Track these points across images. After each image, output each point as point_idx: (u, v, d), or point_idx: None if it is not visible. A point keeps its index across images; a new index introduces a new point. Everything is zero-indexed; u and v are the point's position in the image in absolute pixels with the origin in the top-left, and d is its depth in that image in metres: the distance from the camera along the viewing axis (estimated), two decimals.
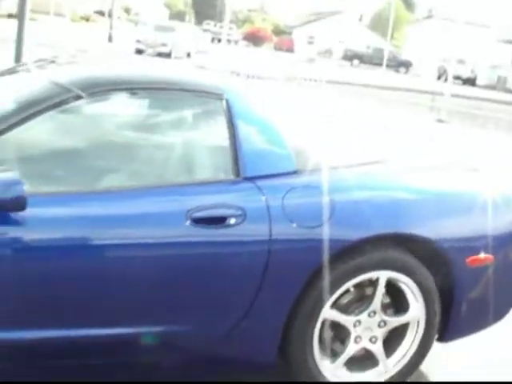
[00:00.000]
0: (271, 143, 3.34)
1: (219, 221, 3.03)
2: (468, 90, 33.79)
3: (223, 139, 3.23)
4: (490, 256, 3.54)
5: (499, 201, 3.68)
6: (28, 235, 2.81)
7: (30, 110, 2.96)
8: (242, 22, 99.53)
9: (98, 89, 3.14)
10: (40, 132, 3.07)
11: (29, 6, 12.39)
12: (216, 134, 3.30)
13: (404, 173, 3.70)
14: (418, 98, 24.51)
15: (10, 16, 43.66)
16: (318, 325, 3.31)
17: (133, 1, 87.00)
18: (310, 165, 3.34)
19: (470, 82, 46.57)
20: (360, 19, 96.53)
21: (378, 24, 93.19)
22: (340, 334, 3.43)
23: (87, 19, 73.14)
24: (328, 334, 3.40)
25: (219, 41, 69.45)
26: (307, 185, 3.26)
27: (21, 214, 2.70)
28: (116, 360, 3.13)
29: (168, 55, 34.21)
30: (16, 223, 2.75)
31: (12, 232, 2.77)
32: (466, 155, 4.74)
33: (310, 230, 3.15)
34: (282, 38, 79.80)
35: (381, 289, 3.37)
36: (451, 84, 23.23)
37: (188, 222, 2.98)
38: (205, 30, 70.25)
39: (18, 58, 13.42)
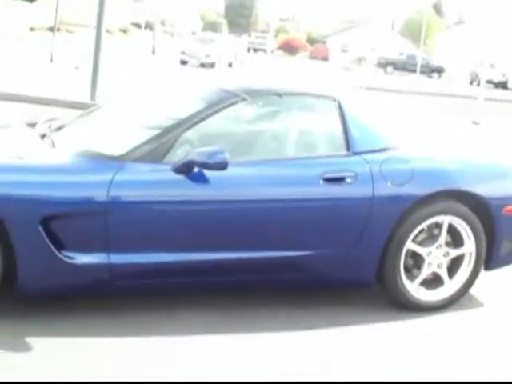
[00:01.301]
0: (369, 129, 4.98)
1: (340, 180, 4.66)
2: (500, 93, 34.96)
3: (338, 127, 4.89)
4: None
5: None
6: (227, 187, 4.45)
7: (213, 108, 4.62)
8: (276, 31, 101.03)
9: (257, 94, 4.82)
10: (222, 123, 4.72)
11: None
12: (333, 124, 4.93)
13: (460, 151, 5.36)
14: (453, 102, 25.78)
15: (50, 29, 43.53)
16: (403, 254, 4.89)
17: (167, 12, 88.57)
18: (397, 144, 4.98)
19: (502, 85, 47.49)
20: (392, 26, 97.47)
21: (409, 30, 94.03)
22: (417, 261, 5.00)
23: (125, 31, 74.91)
24: (409, 261, 4.98)
25: (255, 50, 71.00)
26: (396, 156, 4.88)
27: (223, 172, 4.33)
28: (265, 276, 4.71)
29: (211, 65, 35.81)
30: (219, 179, 4.39)
31: (216, 185, 4.41)
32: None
33: (398, 186, 4.75)
34: (317, 47, 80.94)
35: (445, 228, 4.95)
36: (483, 88, 24.43)
37: (321, 181, 4.61)
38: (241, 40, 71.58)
39: (95, 67, 15.20)
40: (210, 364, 3.93)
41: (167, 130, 4.49)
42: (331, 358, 4.19)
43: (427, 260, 4.99)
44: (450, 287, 5.10)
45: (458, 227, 5.00)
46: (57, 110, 13.47)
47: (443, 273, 5.07)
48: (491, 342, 4.71)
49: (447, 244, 5.04)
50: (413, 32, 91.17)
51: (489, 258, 5.19)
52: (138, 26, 75.46)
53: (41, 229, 4.04)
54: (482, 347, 4.60)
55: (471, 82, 51.47)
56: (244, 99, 4.74)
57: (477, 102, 22.02)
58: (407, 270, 4.98)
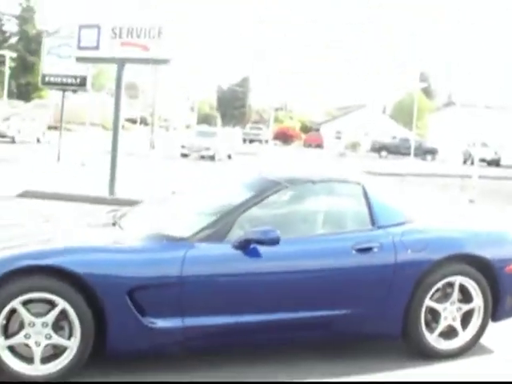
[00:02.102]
0: (389, 207, 6.00)
1: (369, 249, 5.64)
2: (493, 171, 36.17)
3: (363, 207, 5.90)
4: None
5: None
6: (278, 260, 5.43)
7: (262, 195, 5.63)
8: (268, 121, 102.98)
9: (296, 182, 5.86)
10: (269, 207, 5.73)
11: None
12: (359, 204, 5.95)
13: (465, 222, 6.40)
14: (449, 181, 26.86)
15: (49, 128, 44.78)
16: (423, 310, 5.82)
17: (161, 107, 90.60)
18: (412, 218, 5.98)
19: (495, 163, 49.00)
20: (384, 111, 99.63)
21: (400, 114, 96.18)
22: (434, 316, 5.93)
23: (122, 127, 76.54)
24: (428, 316, 5.91)
25: (250, 141, 72.58)
26: (412, 228, 5.88)
27: (275, 247, 5.30)
28: (307, 333, 5.62)
29: (211, 158, 37.04)
30: (274, 252, 5.35)
31: (269, 258, 5.37)
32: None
33: (417, 253, 5.73)
34: (311, 135, 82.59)
35: (457, 287, 5.91)
36: (477, 167, 25.55)
37: (353, 252, 5.59)
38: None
39: (113, 164, 16.23)
40: None
41: (226, 215, 5.50)
42: None
43: (443, 315, 5.94)
44: (463, 337, 6.03)
45: (468, 286, 5.97)
46: (81, 205, 14.52)
47: (457, 325, 6.00)
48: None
49: (459, 300, 5.99)
50: (404, 115, 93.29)
51: (495, 311, 6.14)
52: (133, 121, 77.28)
53: (127, 298, 4.98)
54: None
55: (465, 161, 52.84)
56: (286, 187, 5.79)
57: (471, 181, 23.04)
58: (427, 324, 5.89)
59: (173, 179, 21.16)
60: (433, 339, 5.91)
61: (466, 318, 6.06)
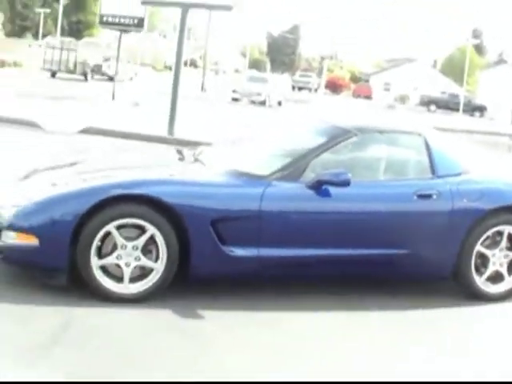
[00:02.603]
0: (447, 158, 6.48)
1: (429, 196, 6.15)
2: None
3: (424, 157, 6.39)
4: None
5: None
6: (348, 201, 5.98)
7: (333, 141, 6.16)
8: (319, 69, 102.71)
9: (364, 130, 6.38)
10: (340, 153, 6.26)
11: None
12: (420, 154, 6.44)
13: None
14: (495, 139, 27.05)
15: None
16: (474, 255, 6.34)
17: (210, 50, 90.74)
18: (468, 169, 6.47)
19: None
20: (434, 65, 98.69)
21: (450, 69, 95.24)
22: (484, 261, 6.44)
23: (170, 68, 77.15)
24: (478, 261, 6.42)
25: (299, 89, 72.78)
26: (468, 179, 6.38)
27: (345, 188, 5.84)
28: (370, 269, 6.18)
29: (262, 103, 37.52)
30: (344, 193, 5.90)
31: (339, 198, 5.92)
32: None
33: (472, 202, 6.23)
34: (361, 86, 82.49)
35: (505, 236, 6.40)
36: None
37: (415, 197, 6.12)
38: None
39: (173, 105, 16.79)
40: None
41: (301, 157, 6.04)
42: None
43: (492, 260, 6.44)
44: (509, 282, 6.54)
45: None
46: (144, 144, 15.16)
47: (504, 271, 6.51)
48: None
49: (507, 248, 6.49)
50: (454, 70, 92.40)
51: None
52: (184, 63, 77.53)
53: (210, 228, 5.56)
54: None
55: None
56: (356, 134, 6.29)
57: None
58: (476, 268, 6.41)
59: (227, 122, 21.76)
60: (481, 282, 6.43)
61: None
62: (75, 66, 41.98)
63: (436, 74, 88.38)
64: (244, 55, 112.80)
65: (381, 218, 6.10)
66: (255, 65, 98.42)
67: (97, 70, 43.27)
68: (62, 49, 42.26)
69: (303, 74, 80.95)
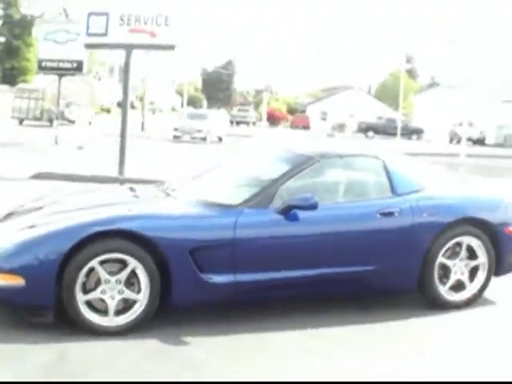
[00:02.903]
0: (405, 177, 6.86)
1: (391, 214, 6.51)
2: (479, 150, 37.18)
3: (384, 178, 6.77)
4: None
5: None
6: (315, 223, 6.29)
7: (298, 168, 6.49)
8: (256, 103, 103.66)
9: (326, 156, 6.73)
10: (304, 178, 6.57)
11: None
12: (380, 176, 6.81)
13: (470, 190, 7.29)
14: (438, 159, 27.78)
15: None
16: (436, 266, 6.71)
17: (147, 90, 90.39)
18: (424, 186, 6.86)
19: (480, 142, 50.14)
20: (369, 91, 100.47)
21: (384, 94, 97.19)
22: (446, 272, 6.81)
23: (108, 111, 77.19)
24: (440, 272, 6.79)
25: (237, 123, 73.30)
26: (426, 195, 6.76)
27: (313, 212, 6.16)
28: (342, 287, 6.50)
29: (203, 139, 37.83)
30: (312, 216, 6.21)
31: (309, 220, 6.24)
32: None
33: (431, 216, 6.61)
34: (298, 117, 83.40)
35: (464, 246, 6.80)
36: (465, 145, 26.49)
37: (378, 216, 6.47)
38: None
39: (122, 146, 16.99)
40: None
41: (269, 185, 6.36)
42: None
43: (453, 270, 6.83)
44: (470, 290, 6.93)
45: (474, 245, 6.86)
46: (94, 184, 15.29)
47: (465, 279, 6.90)
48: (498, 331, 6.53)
49: (466, 257, 6.89)
50: (388, 95, 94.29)
51: (497, 267, 7.03)
52: (119, 105, 77.69)
53: (189, 256, 5.83)
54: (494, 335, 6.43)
55: (451, 141, 54.02)
56: (318, 161, 6.65)
57: (459, 159, 23.99)
58: (439, 278, 6.78)
59: (173, 160, 22.00)
60: (445, 291, 6.81)
61: (472, 273, 6.95)
62: (41, 113, 45.43)
63: (371, 100, 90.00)
64: (179, 93, 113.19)
65: (348, 238, 6.44)
66: (191, 102, 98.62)
67: (60, 115, 44.70)
68: (29, 98, 45.68)
69: (241, 109, 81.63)
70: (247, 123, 74.23)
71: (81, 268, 5.58)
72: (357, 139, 52.24)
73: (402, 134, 55.55)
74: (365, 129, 62.36)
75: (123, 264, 5.72)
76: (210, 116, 43.15)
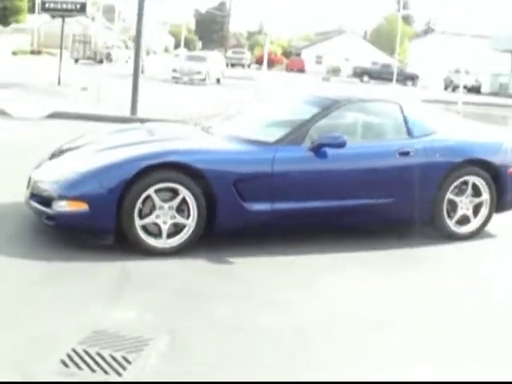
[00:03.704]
0: (420, 121, 7.70)
1: (407, 153, 7.36)
2: (475, 98, 37.89)
3: (401, 121, 7.59)
4: None
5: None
6: (344, 159, 7.14)
7: (327, 111, 7.32)
8: (250, 45, 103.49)
9: (351, 101, 7.60)
10: (333, 119, 7.40)
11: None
12: (398, 118, 7.64)
13: (476, 133, 8.13)
14: (436, 106, 28.44)
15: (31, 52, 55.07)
16: (445, 201, 7.58)
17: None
18: (436, 130, 7.71)
19: (475, 90, 50.81)
20: (364, 36, 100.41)
21: (378, 39, 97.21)
22: (453, 207, 7.68)
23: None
24: (448, 206, 7.66)
25: (232, 65, 73.45)
26: (437, 138, 7.61)
27: (341, 150, 7.01)
28: (363, 218, 7.37)
29: (202, 81, 38.29)
30: (340, 153, 7.05)
31: (338, 157, 7.07)
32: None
33: (442, 157, 7.46)
34: (293, 60, 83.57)
35: (470, 185, 7.66)
36: (462, 92, 27.14)
37: (397, 155, 7.31)
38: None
39: (135, 87, 17.66)
40: None
41: (301, 125, 7.18)
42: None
43: (460, 205, 7.70)
44: (475, 224, 7.82)
45: (478, 184, 7.72)
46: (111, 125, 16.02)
47: (470, 214, 7.78)
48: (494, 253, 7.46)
49: (472, 195, 7.76)
50: (382, 41, 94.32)
51: (498, 204, 7.89)
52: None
53: (233, 187, 6.66)
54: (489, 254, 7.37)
55: (446, 88, 54.66)
56: (344, 104, 7.49)
57: (456, 106, 24.65)
58: (447, 212, 7.65)
59: (180, 100, 22.61)
60: (452, 224, 7.69)
61: (476, 209, 7.83)
62: (95, 53, 52.63)
63: (366, 44, 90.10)
64: (172, 34, 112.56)
65: (371, 173, 7.30)
66: (185, 43, 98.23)
67: (107, 56, 52.45)
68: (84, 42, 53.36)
69: (236, 51, 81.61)
70: (242, 65, 74.31)
71: (139, 195, 6.37)
72: (352, 83, 52.70)
73: (397, 80, 55.90)
74: (360, 73, 62.69)
75: (175, 193, 6.51)
76: (208, 58, 43.51)
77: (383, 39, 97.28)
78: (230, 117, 8.56)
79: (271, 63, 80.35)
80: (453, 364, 4.74)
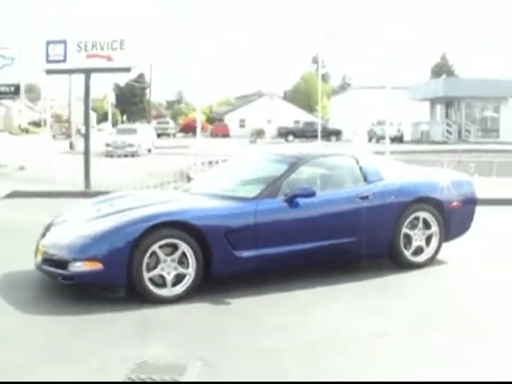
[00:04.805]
0: (374, 168, 8.95)
1: (366, 197, 8.59)
2: (400, 147, 39.82)
3: (358, 171, 8.85)
4: (457, 203, 9.17)
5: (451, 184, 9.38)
6: (313, 207, 8.30)
7: (294, 167, 8.52)
8: (172, 114, 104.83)
9: (313, 157, 8.86)
10: (299, 174, 8.56)
11: None
12: (354, 168, 8.89)
13: (421, 176, 9.42)
14: None
15: None
16: (402, 236, 8.81)
17: (60, 108, 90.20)
18: (387, 175, 8.98)
19: (398, 139, 53.04)
20: (284, 97, 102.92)
21: (296, 98, 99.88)
22: (408, 239, 8.91)
23: (27, 131, 77.31)
24: (404, 240, 8.89)
25: (159, 135, 74.41)
26: (389, 182, 8.87)
27: (311, 198, 8.19)
28: (330, 255, 8.52)
29: (135, 154, 39.11)
30: (310, 202, 8.22)
31: (307, 206, 8.23)
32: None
33: (396, 197, 8.71)
34: (217, 125, 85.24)
35: (421, 219, 8.92)
36: (384, 143, 28.73)
37: (357, 199, 8.53)
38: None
39: (87, 161, 18.52)
40: None
41: (275, 181, 8.34)
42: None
43: (414, 238, 8.94)
44: (427, 253, 9.07)
45: (427, 218, 8.99)
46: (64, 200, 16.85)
47: (423, 245, 9.03)
48: (449, 279, 8.70)
49: (423, 228, 9.01)
50: (300, 99, 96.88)
51: (446, 234, 9.17)
52: (36, 124, 78.06)
53: (224, 238, 7.74)
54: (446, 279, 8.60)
55: (370, 140, 56.82)
56: (308, 160, 8.73)
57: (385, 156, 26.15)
58: (404, 245, 8.87)
59: (120, 172, 23.20)
60: (409, 255, 8.92)
61: (428, 240, 9.08)
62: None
63: (286, 104, 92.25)
64: (93, 110, 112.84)
65: (338, 216, 8.49)
66: (106, 117, 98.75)
67: None
68: None
69: (161, 121, 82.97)
70: (168, 135, 75.70)
71: (146, 251, 7.38)
72: (278, 144, 54.28)
73: (322, 137, 57.94)
74: (285, 133, 64.59)
75: (175, 247, 7.54)
76: (138, 130, 44.62)
77: (301, 98, 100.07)
78: (205, 178, 9.66)
79: (196, 130, 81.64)
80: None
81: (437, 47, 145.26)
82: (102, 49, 18.19)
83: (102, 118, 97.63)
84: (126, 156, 37.81)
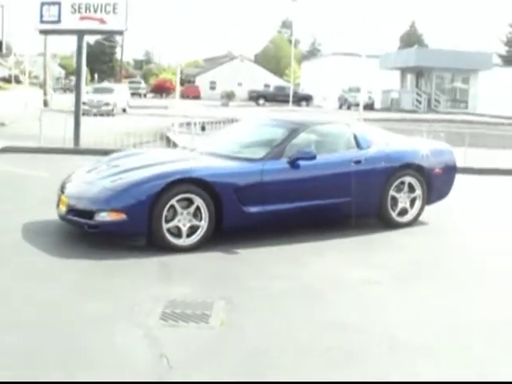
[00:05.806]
0: (365, 136, 9.90)
1: (359, 162, 9.52)
2: (372, 114, 40.68)
3: (351, 138, 9.79)
4: (438, 170, 10.16)
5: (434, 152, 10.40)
6: (314, 168, 9.22)
7: (296, 132, 9.44)
8: (143, 75, 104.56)
9: (312, 124, 9.79)
10: (301, 139, 9.45)
11: None
12: (349, 136, 9.81)
13: (408, 143, 10.41)
14: None
15: None
16: (389, 198, 9.77)
17: (31, 65, 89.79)
18: (376, 142, 9.94)
19: (369, 107, 53.81)
20: (255, 60, 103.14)
21: (265, 62, 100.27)
22: (395, 202, 9.89)
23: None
24: (391, 202, 9.86)
25: (131, 95, 74.57)
26: (379, 149, 9.82)
27: (312, 161, 9.12)
28: (325, 214, 9.49)
29: (111, 112, 39.59)
30: (311, 164, 9.14)
31: (308, 167, 9.14)
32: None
33: (385, 163, 9.66)
34: (189, 87, 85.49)
35: (407, 183, 9.89)
36: (356, 110, 29.63)
37: (352, 163, 9.47)
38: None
39: (77, 120, 19.20)
40: None
41: (280, 144, 9.23)
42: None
43: (399, 200, 9.91)
44: (411, 214, 10.06)
45: (412, 182, 9.96)
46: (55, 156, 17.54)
47: (408, 206, 10.01)
48: (433, 237, 9.72)
49: (408, 191, 9.99)
50: (270, 63, 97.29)
51: (428, 198, 10.16)
52: (6, 80, 77.64)
53: (234, 194, 8.61)
54: (427, 237, 9.61)
55: (340, 106, 57.69)
56: (308, 126, 9.66)
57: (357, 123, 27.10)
58: (391, 206, 9.84)
59: (102, 130, 23.53)
60: (395, 215, 9.90)
61: (412, 202, 10.06)
62: None
63: (257, 68, 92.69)
64: (62, 66, 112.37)
65: (335, 178, 9.41)
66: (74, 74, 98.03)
67: None
68: None
69: (133, 81, 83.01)
70: (139, 95, 75.87)
71: (165, 205, 8.22)
72: (250, 107, 54.95)
73: (292, 101, 58.71)
74: (256, 97, 65.14)
75: (190, 201, 8.40)
76: (115, 89, 45.02)
77: (271, 61, 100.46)
78: (209, 140, 10.56)
79: (166, 91, 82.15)
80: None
81: (406, 16, 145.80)
82: (95, 11, 18.73)
83: (71, 74, 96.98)
84: (101, 115, 38.12)
